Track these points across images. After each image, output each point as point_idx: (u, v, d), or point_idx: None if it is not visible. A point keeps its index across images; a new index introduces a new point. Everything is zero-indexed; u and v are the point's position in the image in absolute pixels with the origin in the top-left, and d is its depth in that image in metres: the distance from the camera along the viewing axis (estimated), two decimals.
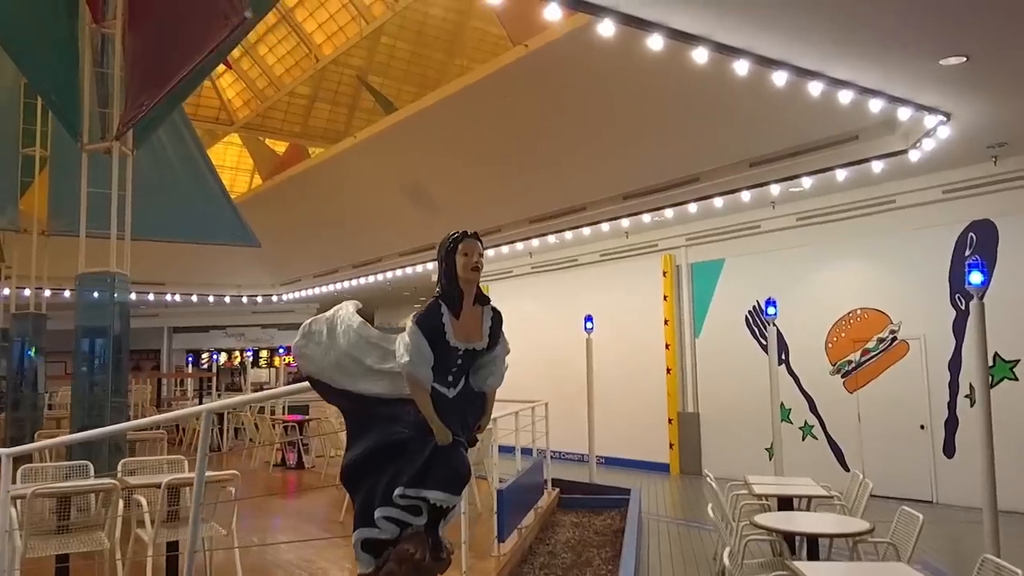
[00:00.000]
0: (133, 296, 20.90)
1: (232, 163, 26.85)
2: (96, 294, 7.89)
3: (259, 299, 24.14)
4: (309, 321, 3.17)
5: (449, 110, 12.46)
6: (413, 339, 2.95)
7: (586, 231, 13.60)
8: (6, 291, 13.03)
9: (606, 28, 5.84)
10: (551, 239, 14.38)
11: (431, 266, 17.01)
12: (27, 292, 12.46)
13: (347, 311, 3.17)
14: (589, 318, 11.60)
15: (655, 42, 5.99)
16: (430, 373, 2.97)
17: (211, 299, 24.33)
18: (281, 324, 26.52)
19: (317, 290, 21.96)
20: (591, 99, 10.51)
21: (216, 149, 25.09)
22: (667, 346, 13.59)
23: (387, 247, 17.79)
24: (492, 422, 8.08)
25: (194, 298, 23.59)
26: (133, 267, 8.21)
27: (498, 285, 17.20)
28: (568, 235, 14.01)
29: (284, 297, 23.74)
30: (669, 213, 12.30)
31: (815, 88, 6.85)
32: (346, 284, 20.23)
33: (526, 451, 9.12)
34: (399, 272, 18.14)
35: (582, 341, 11.67)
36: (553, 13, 5.84)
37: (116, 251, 7.91)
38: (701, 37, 5.92)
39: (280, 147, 23.01)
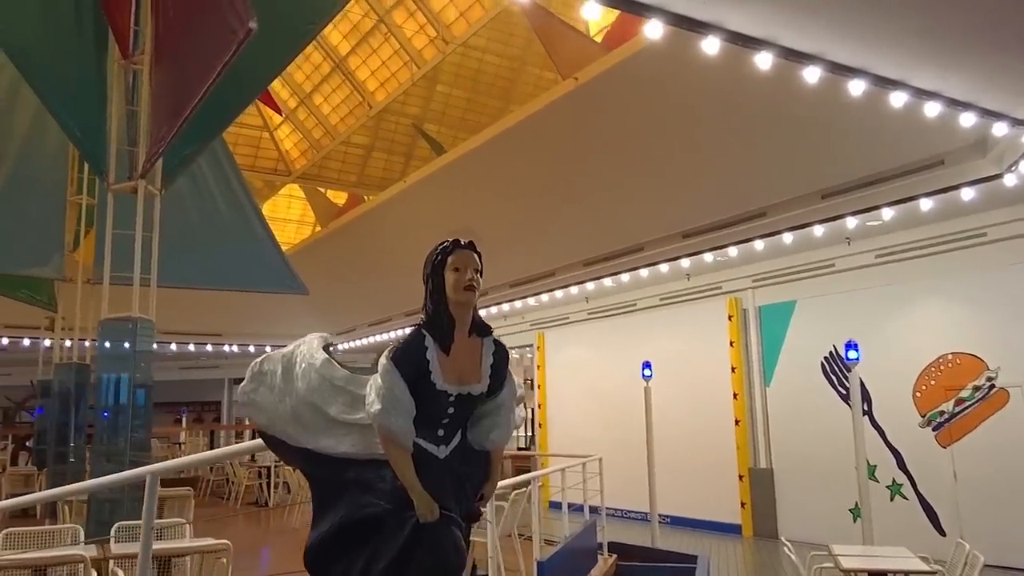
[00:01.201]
0: (175, 346, 20.88)
1: (296, 215, 27.04)
2: (122, 342, 7.50)
3: None
4: (261, 359, 2.55)
5: (498, 150, 12.01)
6: (387, 380, 2.31)
7: (644, 273, 12.83)
8: (47, 342, 12.94)
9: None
10: (607, 282, 13.64)
11: (484, 312, 16.43)
12: (68, 343, 12.32)
13: (309, 346, 2.54)
14: (647, 365, 10.77)
15: (710, 47, 5.31)
16: (410, 425, 2.31)
17: (268, 349, 24.22)
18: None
19: (372, 339, 21.59)
20: (645, 132, 9.88)
21: (278, 201, 25.33)
22: (735, 396, 12.59)
23: None
24: (537, 477, 7.34)
25: (251, 348, 23.51)
26: (189, 319, 7.83)
27: (553, 332, 16.49)
28: (625, 278, 13.25)
29: (341, 347, 23.47)
30: (733, 252, 11.45)
31: (897, 99, 6.04)
32: (399, 332, 19.79)
33: (575, 506, 8.28)
34: None
35: (642, 390, 10.84)
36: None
37: (139, 295, 7.52)
38: (763, 40, 5.22)
39: (339, 198, 23.00)
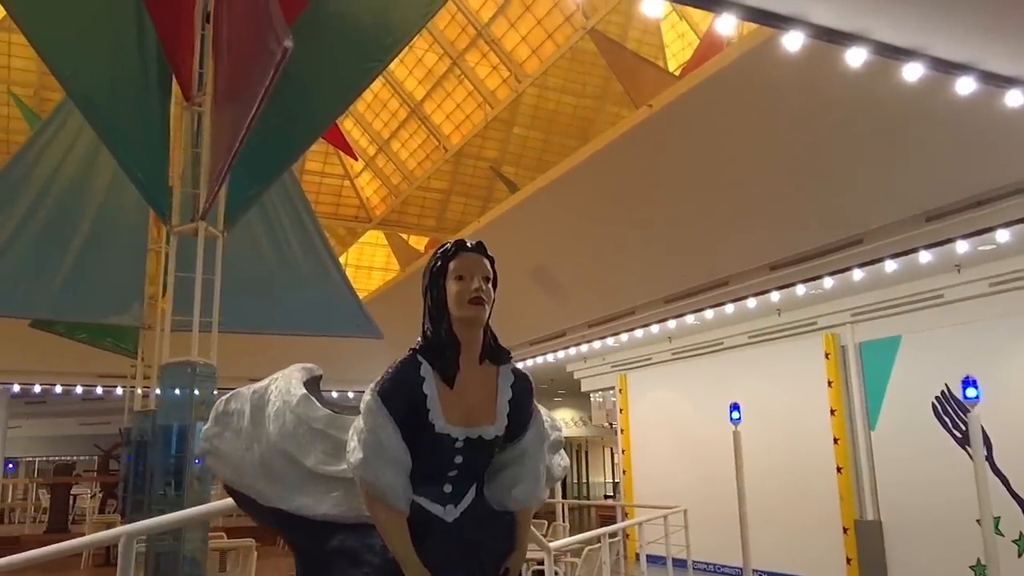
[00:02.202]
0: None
1: (381, 262, 27.25)
2: (182, 388, 7.32)
3: None
4: (227, 396, 2.13)
5: (571, 185, 11.61)
6: (370, 421, 1.85)
7: (730, 309, 12.05)
8: (118, 390, 13.09)
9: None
10: (690, 320, 12.91)
11: (562, 354, 15.90)
12: (141, 391, 12.42)
13: (287, 380, 2.11)
14: (735, 407, 9.97)
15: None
16: (401, 479, 1.85)
17: (351, 394, 24.23)
18: None
19: None
20: (726, 157, 9.28)
21: (363, 249, 25.58)
22: (836, 441, 11.57)
23: (517, 336, 16.84)
24: (615, 530, 6.71)
25: (334, 394, 23.55)
26: (272, 364, 7.59)
27: (636, 373, 15.77)
28: (709, 315, 12.50)
29: None
30: (828, 283, 10.59)
31: (1013, 99, 5.29)
32: None
33: (659, 559, 7.55)
34: (530, 362, 17.10)
35: (731, 434, 10.04)
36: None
37: (201, 339, 7.34)
38: (856, 35, 4.63)
39: (421, 243, 23.00)
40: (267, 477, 2.00)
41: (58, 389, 19.54)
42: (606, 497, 30.34)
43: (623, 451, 16.27)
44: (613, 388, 16.63)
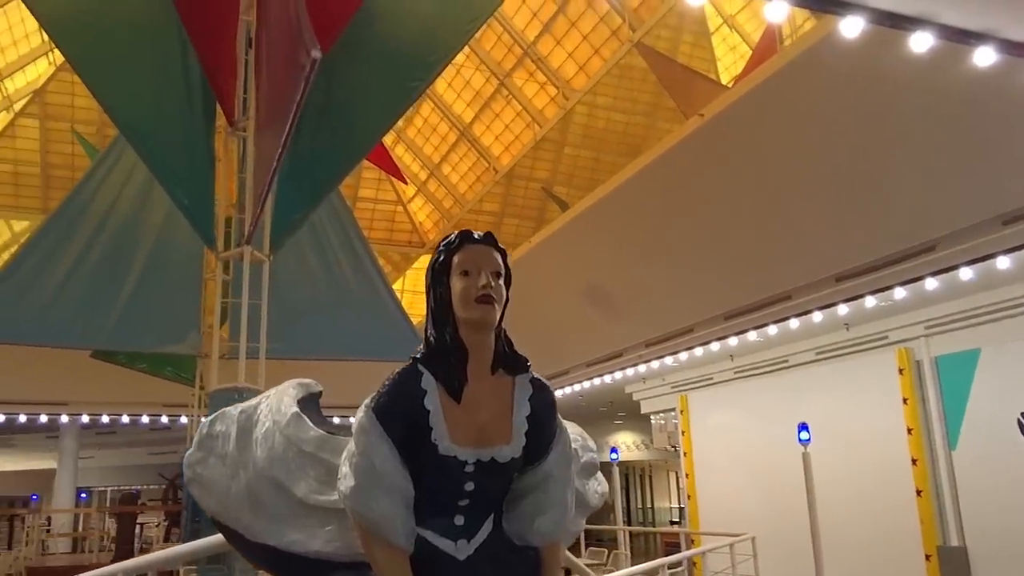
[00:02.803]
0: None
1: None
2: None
3: None
4: (212, 417, 1.91)
5: (623, 200, 11.32)
6: (362, 442, 1.61)
7: (794, 324, 11.50)
8: (183, 419, 13.16)
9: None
10: (752, 336, 12.37)
11: (619, 375, 15.48)
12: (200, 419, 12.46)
13: (279, 397, 1.88)
14: (803, 426, 9.44)
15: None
16: (400, 510, 1.60)
17: None
18: None
19: None
20: (784, 164, 8.88)
21: (420, 275, 25.66)
22: (914, 462, 10.87)
23: (573, 357, 16.51)
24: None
25: None
26: (332, 391, 7.46)
27: (698, 394, 15.24)
28: (772, 331, 11.95)
29: None
30: (900, 294, 9.99)
31: None
32: None
33: None
34: (587, 384, 16.71)
35: (799, 456, 9.50)
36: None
37: (249, 364, 7.26)
38: (919, 19, 4.26)
39: None
40: (254, 508, 1.77)
41: (125, 419, 19.88)
42: (672, 523, 29.50)
43: (687, 475, 15.70)
44: (674, 409, 16.10)
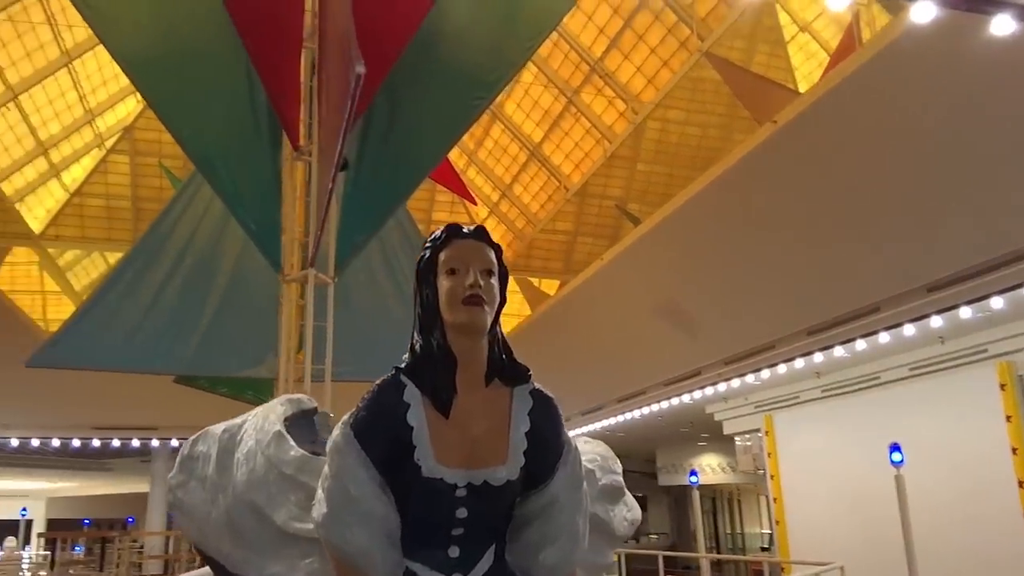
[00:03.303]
0: None
1: (514, 310, 27.23)
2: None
3: None
4: (195, 437, 1.78)
5: (696, 212, 10.99)
6: (335, 464, 1.46)
7: (884, 338, 10.86)
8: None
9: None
10: (839, 352, 11.75)
11: (699, 394, 14.99)
12: None
13: (264, 415, 1.74)
14: (896, 447, 8.87)
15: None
16: (375, 543, 1.44)
17: None
18: None
19: (587, 428, 20.62)
20: (866, 168, 8.42)
21: None
22: (1021, 484, 10.08)
23: (649, 376, 16.10)
24: None
25: None
26: None
27: (783, 414, 14.61)
28: (861, 345, 11.32)
29: None
30: (998, 303, 9.32)
31: None
32: (613, 421, 18.68)
33: None
34: (665, 404, 16.24)
35: (892, 478, 8.92)
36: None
37: (313, 387, 7.26)
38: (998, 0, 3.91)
39: (552, 287, 22.80)
40: (234, 537, 1.63)
41: None
42: (763, 549, 28.39)
43: (774, 499, 15.04)
44: (758, 430, 15.48)
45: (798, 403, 14.32)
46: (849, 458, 12.71)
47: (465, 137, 19.54)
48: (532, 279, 22.39)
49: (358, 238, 7.93)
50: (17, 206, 17.74)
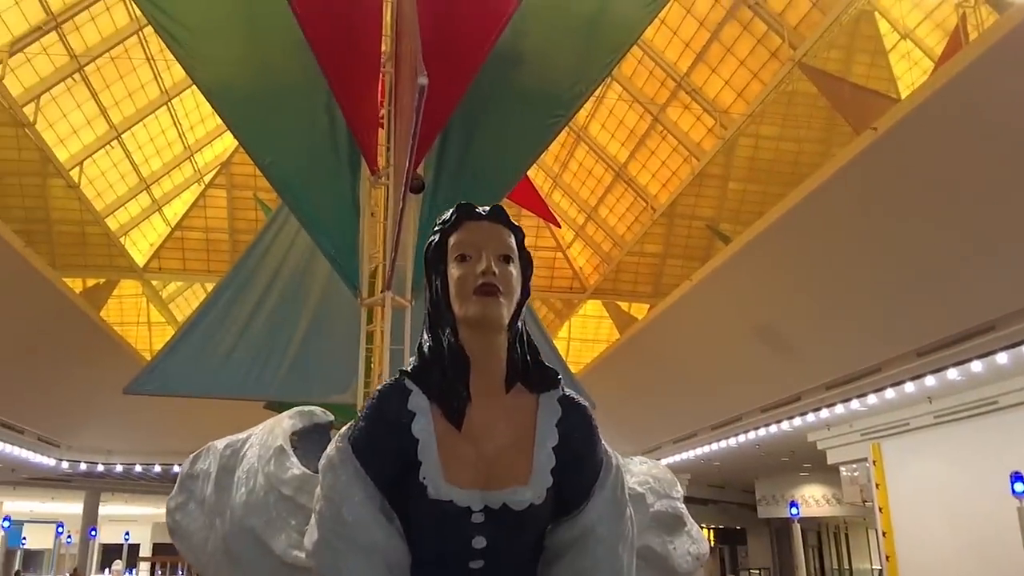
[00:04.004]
0: None
1: (604, 335, 26.83)
2: None
3: None
4: (196, 454, 1.59)
5: (791, 227, 10.47)
6: (327, 483, 1.26)
7: (1002, 359, 9.99)
8: None
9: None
10: (952, 375, 10.90)
11: (799, 421, 14.22)
12: None
13: (269, 430, 1.54)
14: (1018, 476, 8.09)
15: None
16: (375, 574, 1.21)
17: None
18: None
19: (679, 457, 19.92)
20: (975, 172, 7.79)
21: (587, 322, 25.32)
22: None
23: (746, 403, 15.40)
24: None
25: None
26: None
27: (892, 442, 13.69)
28: (976, 367, 10.46)
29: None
30: None
31: None
32: (707, 448, 17.96)
33: None
34: (763, 431, 15.48)
35: (1013, 511, 8.12)
36: None
37: None
38: None
39: (642, 311, 22.33)
40: (233, 567, 1.44)
41: None
42: None
43: (883, 533, 14.08)
44: (865, 459, 14.55)
45: (908, 430, 13.39)
46: (965, 489, 11.74)
47: (549, 159, 19.49)
48: (621, 303, 21.94)
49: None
50: (122, 240, 18.63)
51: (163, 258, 20.05)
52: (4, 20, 12.58)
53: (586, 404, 1.45)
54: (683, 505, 1.78)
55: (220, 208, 19.34)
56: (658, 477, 1.76)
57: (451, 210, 1.46)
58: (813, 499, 22.94)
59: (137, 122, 16.82)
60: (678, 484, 1.87)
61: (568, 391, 1.45)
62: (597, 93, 15.71)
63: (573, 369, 16.65)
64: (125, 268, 18.83)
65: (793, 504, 14.24)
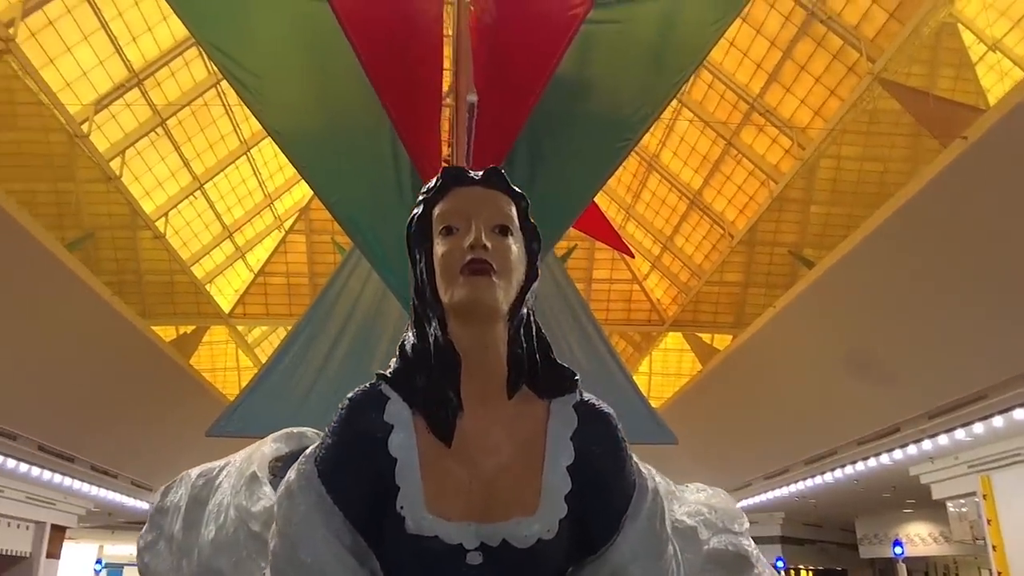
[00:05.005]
0: None
1: (687, 368, 26.13)
2: None
3: None
4: (169, 484, 1.41)
5: (880, 246, 9.90)
6: (282, 515, 1.06)
7: None
8: None
9: None
10: None
11: (900, 454, 13.35)
12: None
13: (247, 455, 1.35)
14: None
15: None
16: None
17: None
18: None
19: (771, 494, 19.00)
20: None
21: (668, 356, 24.71)
22: None
23: (840, 435, 14.58)
24: None
25: None
26: None
27: (1004, 474, 12.68)
28: None
29: (737, 505, 21.02)
30: None
31: None
32: (801, 485, 17.06)
33: None
34: (860, 465, 14.59)
35: None
36: None
37: None
38: None
39: (725, 342, 21.63)
40: None
41: None
42: None
43: (998, 573, 13.00)
44: (974, 493, 13.53)
45: (1021, 461, 12.38)
46: None
47: (621, 190, 19.25)
48: (702, 335, 21.30)
49: None
50: (208, 288, 19.24)
51: (247, 304, 20.59)
52: (89, 79, 13.29)
53: (610, 412, 1.20)
54: (750, 542, 1.50)
55: (300, 253, 19.78)
56: (716, 507, 1.50)
57: (438, 176, 1.25)
58: (919, 537, 21.51)
59: (218, 172, 17.46)
60: (743, 517, 1.59)
61: (588, 396, 1.21)
62: (667, 119, 15.46)
63: (655, 404, 16.17)
64: (212, 314, 19.40)
65: (897, 543, 13.30)
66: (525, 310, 1.21)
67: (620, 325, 20.29)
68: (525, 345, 1.19)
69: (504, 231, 1.19)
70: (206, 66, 14.11)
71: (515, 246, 1.19)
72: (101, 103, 13.64)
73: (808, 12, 13.23)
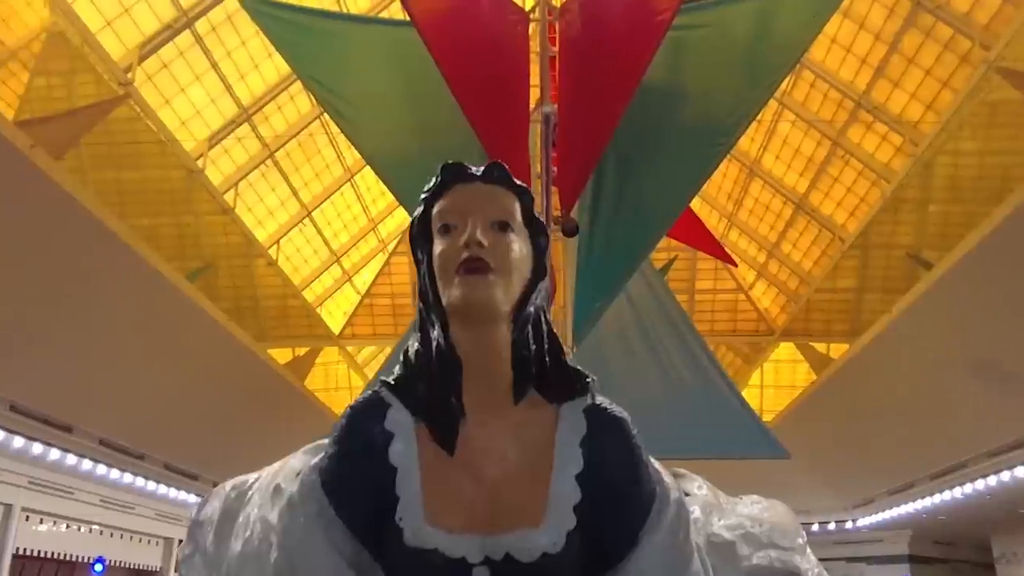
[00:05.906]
0: None
1: (801, 380, 25.10)
2: None
3: (831, 526, 20.78)
4: (206, 497, 1.41)
5: (1005, 244, 9.24)
6: (280, 526, 1.06)
7: None
8: None
9: None
10: None
11: None
12: None
13: (280, 466, 1.33)
14: None
15: None
16: None
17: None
18: (870, 557, 22.27)
19: (897, 511, 17.92)
20: None
21: (780, 368, 23.81)
22: None
23: (969, 447, 13.64)
24: None
25: None
26: None
27: None
28: None
29: (859, 523, 19.98)
30: None
31: None
32: (928, 501, 16.04)
33: None
34: (994, 480, 13.58)
35: None
36: None
37: None
38: None
39: (840, 351, 20.68)
40: None
41: None
42: None
43: None
44: None
45: None
46: None
47: (722, 198, 18.75)
48: (816, 344, 20.41)
49: (595, 304, 7.59)
50: (319, 311, 19.95)
51: (355, 325, 21.20)
52: (203, 117, 14.11)
53: (623, 416, 1.13)
54: (805, 560, 1.38)
55: (403, 274, 20.23)
56: (764, 520, 1.38)
57: (437, 174, 1.23)
58: None
59: (324, 199, 18.13)
60: (798, 531, 1.46)
61: (601, 400, 1.14)
62: (768, 122, 14.97)
63: (768, 417, 15.59)
64: (323, 336, 20.09)
65: None
66: (532, 309, 1.16)
67: (726, 336, 19.71)
68: (534, 347, 1.14)
69: (504, 227, 1.16)
70: (309, 99, 14.71)
71: (516, 242, 1.15)
72: (214, 139, 14.45)
73: (914, 2, 12.55)
